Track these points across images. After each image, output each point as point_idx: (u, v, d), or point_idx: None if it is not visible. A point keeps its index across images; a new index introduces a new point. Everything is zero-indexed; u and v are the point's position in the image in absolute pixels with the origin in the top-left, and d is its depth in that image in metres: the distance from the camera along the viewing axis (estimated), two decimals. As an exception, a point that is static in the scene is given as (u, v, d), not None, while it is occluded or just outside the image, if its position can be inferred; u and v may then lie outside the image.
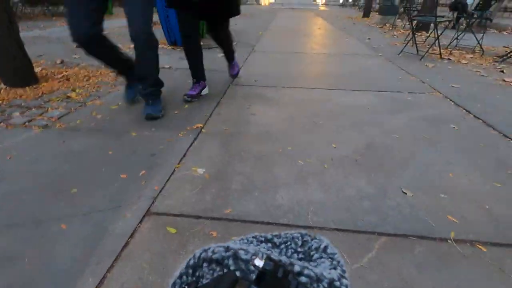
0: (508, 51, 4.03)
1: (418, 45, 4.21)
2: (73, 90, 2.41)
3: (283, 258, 0.27)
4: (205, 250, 0.27)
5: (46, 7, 9.04)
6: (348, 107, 2.21)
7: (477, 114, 2.10)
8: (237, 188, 1.27)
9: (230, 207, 1.16)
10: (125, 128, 1.79)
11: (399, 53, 4.14)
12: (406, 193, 1.27)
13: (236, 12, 2.25)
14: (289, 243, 0.34)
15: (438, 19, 3.91)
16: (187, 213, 1.12)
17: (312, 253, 0.32)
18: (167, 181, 1.31)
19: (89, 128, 1.79)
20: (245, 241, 0.33)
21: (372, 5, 10.92)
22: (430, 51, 3.94)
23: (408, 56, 3.99)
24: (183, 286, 0.26)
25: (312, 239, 0.34)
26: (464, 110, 2.18)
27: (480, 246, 1.00)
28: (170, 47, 4.30)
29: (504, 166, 1.48)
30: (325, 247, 0.32)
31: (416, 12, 6.86)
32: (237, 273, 0.25)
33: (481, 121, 2.00)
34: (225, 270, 0.26)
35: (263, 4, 21.42)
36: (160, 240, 1.00)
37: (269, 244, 0.33)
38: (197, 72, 2.32)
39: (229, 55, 2.65)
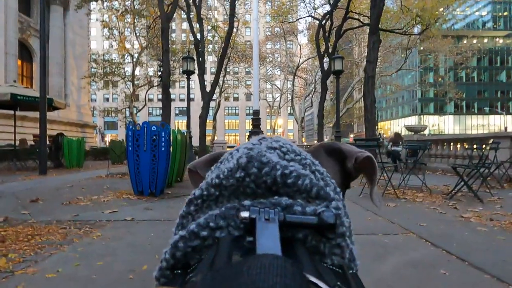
0: (450, 189, 4.54)
1: (373, 186, 4.61)
2: (4, 255, 1.99)
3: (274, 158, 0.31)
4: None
5: (13, 161, 9.05)
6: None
7: (459, 255, 2.03)
8: None
9: None
10: (57, 308, 1.37)
11: (360, 195, 4.42)
12: None
13: None
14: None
15: (384, 164, 4.52)
16: None
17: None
18: None
19: (4, 311, 1.33)
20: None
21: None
22: (386, 192, 4.28)
23: (367, 197, 4.23)
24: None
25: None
26: (444, 251, 2.11)
27: None
28: (136, 197, 4.18)
29: (522, 322, 1.28)
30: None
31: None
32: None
33: (467, 263, 1.90)
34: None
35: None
36: None
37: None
38: None
39: None
